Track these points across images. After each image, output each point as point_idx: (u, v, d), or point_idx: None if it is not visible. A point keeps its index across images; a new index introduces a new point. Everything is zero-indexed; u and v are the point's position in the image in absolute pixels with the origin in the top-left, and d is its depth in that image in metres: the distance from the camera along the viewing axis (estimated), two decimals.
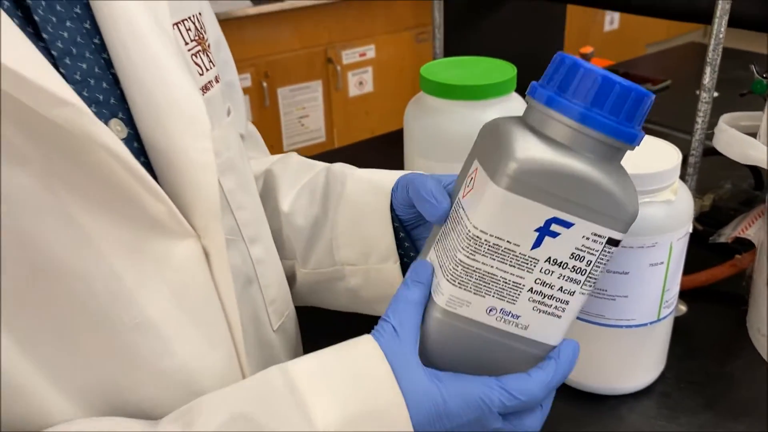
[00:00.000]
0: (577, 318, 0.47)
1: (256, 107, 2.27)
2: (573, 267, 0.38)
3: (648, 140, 0.50)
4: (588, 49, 1.74)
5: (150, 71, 0.37)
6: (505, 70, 0.62)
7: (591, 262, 0.38)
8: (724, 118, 0.60)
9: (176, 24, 0.41)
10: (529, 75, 0.46)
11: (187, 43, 0.42)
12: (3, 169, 0.31)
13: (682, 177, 0.59)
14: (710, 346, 0.66)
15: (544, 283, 0.38)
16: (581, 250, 0.37)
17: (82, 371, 0.35)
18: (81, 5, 0.37)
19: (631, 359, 0.58)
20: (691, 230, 0.54)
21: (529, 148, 0.35)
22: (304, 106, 2.43)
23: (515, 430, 0.38)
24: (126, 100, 0.37)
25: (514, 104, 0.62)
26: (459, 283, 0.38)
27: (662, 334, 0.58)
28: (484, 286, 0.38)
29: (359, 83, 2.68)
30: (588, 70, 0.35)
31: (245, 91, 2.21)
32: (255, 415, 0.35)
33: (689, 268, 0.71)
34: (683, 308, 0.70)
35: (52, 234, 0.32)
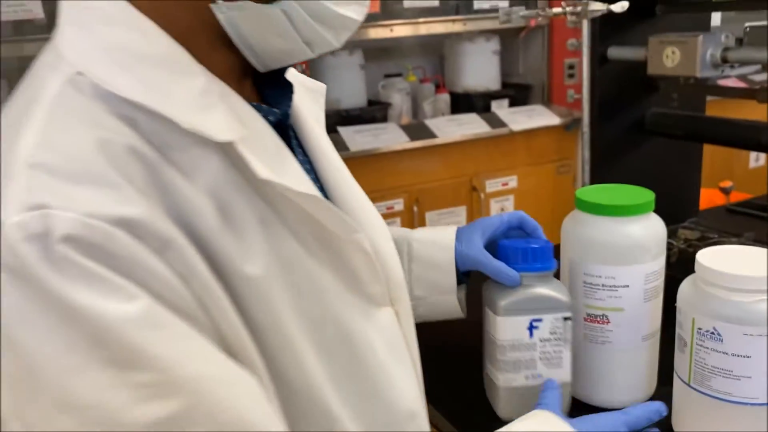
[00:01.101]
0: (704, 393, 0.68)
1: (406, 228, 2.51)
2: (554, 338, 0.73)
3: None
4: (727, 184, 1.83)
5: (350, 193, 0.55)
6: (644, 194, 0.78)
7: (562, 331, 0.73)
8: None
9: None
10: (667, 201, 0.62)
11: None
12: (315, 268, 0.47)
13: None
14: None
15: (544, 352, 0.73)
16: (555, 328, 0.73)
17: (361, 405, 0.49)
18: (299, 149, 0.55)
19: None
20: None
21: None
22: None
23: None
24: None
25: (652, 221, 0.77)
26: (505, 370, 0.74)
27: None
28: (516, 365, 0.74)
29: (500, 209, 2.86)
30: (514, 249, 0.75)
31: (398, 214, 2.47)
32: None
33: None
34: None
35: (341, 308, 0.49)
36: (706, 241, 1.23)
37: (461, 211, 2.70)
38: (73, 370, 0.35)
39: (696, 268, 0.68)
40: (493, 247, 0.78)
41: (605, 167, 1.24)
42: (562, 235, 0.81)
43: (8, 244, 0.35)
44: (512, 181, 2.95)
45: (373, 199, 0.60)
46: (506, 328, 0.73)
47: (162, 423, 0.36)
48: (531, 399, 0.70)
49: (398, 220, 2.51)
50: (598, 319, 0.77)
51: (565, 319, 0.72)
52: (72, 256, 0.35)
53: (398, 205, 2.50)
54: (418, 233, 0.78)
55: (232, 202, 0.43)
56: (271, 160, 0.44)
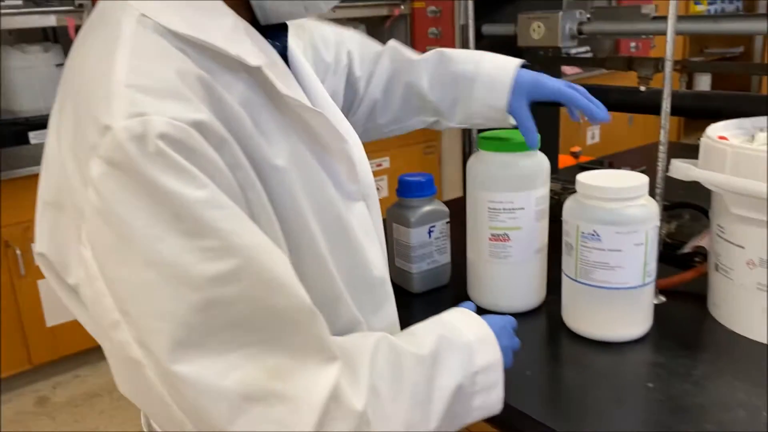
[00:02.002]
0: (588, 285, 0.86)
1: None
2: (443, 236, 1.06)
3: (631, 174, 0.86)
4: (576, 149, 2.12)
5: (332, 109, 0.69)
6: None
7: (446, 231, 1.03)
8: (674, 161, 0.94)
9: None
10: None
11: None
12: (316, 166, 0.60)
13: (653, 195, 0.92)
14: (682, 320, 0.96)
15: (437, 246, 1.06)
16: (442, 230, 1.07)
17: (349, 271, 0.63)
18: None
19: (628, 313, 0.87)
20: (658, 224, 0.86)
21: None
22: None
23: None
24: None
25: (539, 157, 0.95)
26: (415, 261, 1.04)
27: (647, 295, 0.88)
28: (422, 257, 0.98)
29: (376, 189, 3.02)
30: (411, 182, 1.05)
31: None
32: (449, 336, 0.64)
33: (666, 274, 1.02)
34: (663, 298, 1.00)
35: (334, 198, 0.62)
36: (568, 192, 1.45)
37: None
38: (158, 237, 0.45)
39: (577, 187, 0.87)
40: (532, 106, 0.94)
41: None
42: (468, 171, 0.98)
43: (117, 142, 0.45)
44: (385, 162, 3.12)
45: None
46: (416, 235, 1.04)
47: (221, 277, 0.46)
48: (431, 278, 1.08)
49: None
50: (501, 237, 0.94)
51: (447, 222, 1.06)
52: (163, 149, 0.45)
53: None
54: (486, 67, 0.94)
55: (259, 113, 0.55)
56: (285, 81, 0.56)
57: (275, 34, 0.62)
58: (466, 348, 0.64)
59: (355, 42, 0.99)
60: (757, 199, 0.81)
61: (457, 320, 0.67)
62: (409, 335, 0.64)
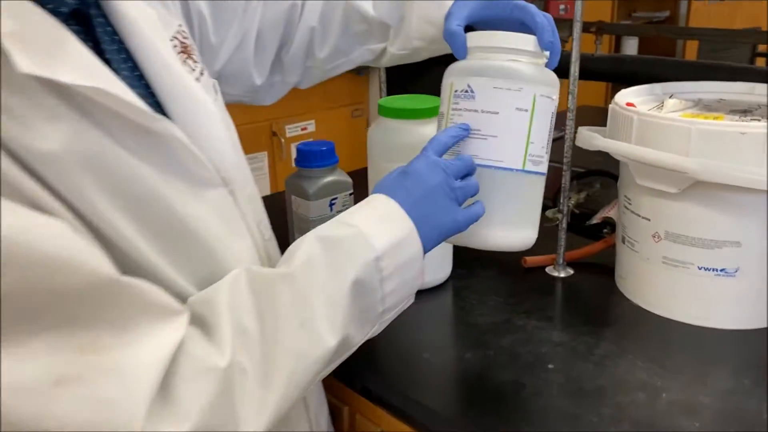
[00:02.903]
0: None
1: None
2: (345, 208, 0.79)
3: (529, 37, 0.67)
4: None
5: (171, 79, 0.56)
6: (434, 101, 0.90)
7: (349, 203, 0.97)
8: (581, 128, 0.90)
9: (171, 39, 0.60)
10: None
11: (179, 53, 0.60)
12: (125, 156, 0.49)
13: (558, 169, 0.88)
14: (590, 292, 0.93)
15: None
16: (345, 202, 0.97)
17: (198, 269, 0.54)
18: (114, 38, 0.55)
19: (505, 205, 0.66)
20: (554, 98, 0.67)
21: None
22: None
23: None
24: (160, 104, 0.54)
25: None
26: None
27: (530, 193, 0.68)
28: None
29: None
30: (312, 151, 0.96)
31: None
32: (332, 233, 0.57)
33: (574, 246, 0.99)
34: (571, 271, 0.97)
35: (166, 191, 0.51)
36: None
37: (263, 157, 2.73)
38: None
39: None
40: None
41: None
42: (368, 141, 0.91)
43: None
44: (311, 126, 3.03)
45: None
46: (315, 208, 0.95)
47: None
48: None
49: None
50: None
51: (350, 194, 0.98)
52: None
53: None
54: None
55: (8, 95, 0.44)
56: (44, 53, 0.45)
57: None
58: (354, 238, 0.57)
59: None
60: (663, 170, 0.77)
61: (350, 211, 0.61)
62: (285, 255, 0.58)
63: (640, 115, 0.80)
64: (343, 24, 0.81)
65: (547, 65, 0.68)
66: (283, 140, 2.75)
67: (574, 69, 0.89)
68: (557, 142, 0.78)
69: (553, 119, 0.68)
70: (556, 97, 0.68)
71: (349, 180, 0.99)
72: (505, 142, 0.66)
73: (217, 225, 0.56)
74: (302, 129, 2.98)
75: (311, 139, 3.01)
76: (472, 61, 0.68)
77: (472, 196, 0.65)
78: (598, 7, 3.45)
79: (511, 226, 0.68)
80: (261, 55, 0.80)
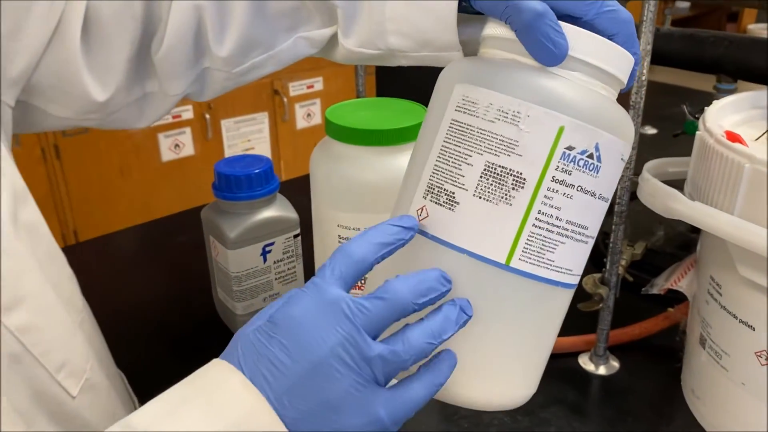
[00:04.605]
0: None
1: (199, 140, 2.20)
2: (287, 257, 0.68)
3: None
4: None
5: None
6: (418, 114, 0.57)
7: (294, 249, 0.68)
8: (649, 166, 0.56)
9: None
10: None
11: None
12: None
13: (608, 226, 0.55)
14: (644, 405, 0.61)
15: (279, 272, 0.68)
16: (287, 248, 0.68)
17: None
18: None
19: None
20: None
21: None
22: (249, 138, 2.37)
23: None
24: None
25: None
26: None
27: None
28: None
29: (307, 115, 2.64)
30: (236, 177, 0.64)
31: (186, 123, 2.15)
32: None
33: (621, 320, 0.67)
34: (615, 364, 0.66)
35: None
36: None
37: (263, 118, 2.43)
38: None
39: None
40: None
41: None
42: (311, 171, 0.60)
43: None
44: (318, 83, 2.70)
45: None
46: (239, 260, 0.65)
47: None
48: None
49: (187, 130, 2.20)
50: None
51: (295, 236, 0.68)
52: None
53: (187, 113, 2.17)
54: None
55: None
56: None
57: None
58: None
59: None
60: None
61: (162, 399, 0.33)
62: None
63: (755, 163, 0.47)
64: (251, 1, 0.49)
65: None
66: (286, 99, 2.45)
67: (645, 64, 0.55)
68: None
69: None
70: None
71: (294, 216, 0.68)
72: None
73: None
74: (308, 87, 2.64)
75: (317, 101, 2.69)
76: (578, 87, 0.35)
77: (415, 363, 0.34)
78: None
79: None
80: (98, 53, 0.47)
